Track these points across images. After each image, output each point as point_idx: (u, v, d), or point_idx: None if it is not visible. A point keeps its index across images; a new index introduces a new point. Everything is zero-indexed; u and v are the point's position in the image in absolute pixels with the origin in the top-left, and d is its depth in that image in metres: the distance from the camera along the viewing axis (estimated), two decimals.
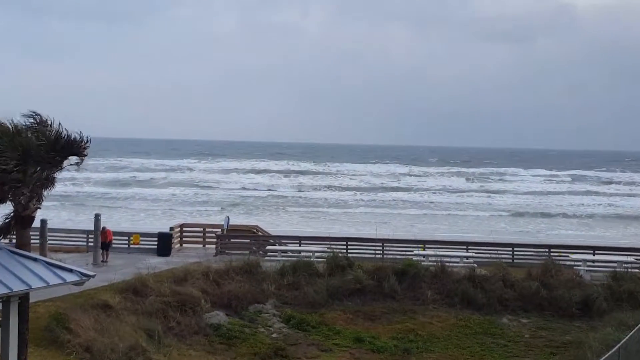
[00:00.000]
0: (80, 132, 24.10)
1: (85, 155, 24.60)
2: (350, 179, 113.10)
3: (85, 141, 24.28)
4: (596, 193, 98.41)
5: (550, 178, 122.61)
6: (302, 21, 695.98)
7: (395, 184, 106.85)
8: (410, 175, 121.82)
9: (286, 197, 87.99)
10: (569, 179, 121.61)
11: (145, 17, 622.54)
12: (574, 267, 32.21)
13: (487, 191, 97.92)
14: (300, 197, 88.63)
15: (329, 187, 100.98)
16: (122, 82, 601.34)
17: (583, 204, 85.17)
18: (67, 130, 24.18)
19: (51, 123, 24.09)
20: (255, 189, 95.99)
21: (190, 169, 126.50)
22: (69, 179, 74.60)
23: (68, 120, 24.13)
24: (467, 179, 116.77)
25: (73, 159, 24.58)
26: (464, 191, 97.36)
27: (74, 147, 23.92)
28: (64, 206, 70.18)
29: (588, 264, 33.31)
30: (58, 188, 23.56)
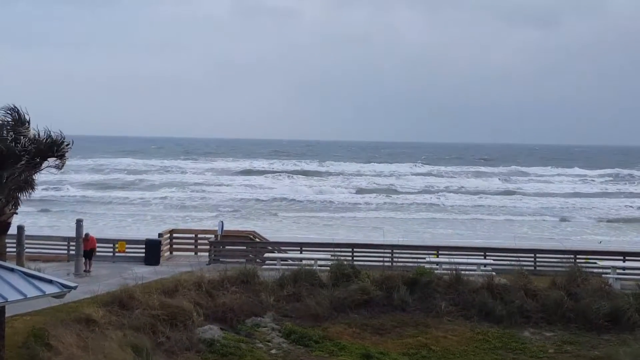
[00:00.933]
0: (61, 132, 24.22)
1: (66, 158, 24.71)
2: (358, 179, 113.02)
3: (67, 142, 24.38)
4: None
5: (584, 178, 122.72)
6: (300, 6, 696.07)
7: (421, 185, 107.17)
8: (439, 176, 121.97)
9: (296, 200, 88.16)
10: (605, 178, 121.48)
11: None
12: (603, 275, 32.17)
13: (522, 193, 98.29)
14: (309, 200, 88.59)
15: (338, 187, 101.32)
16: (100, 73, 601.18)
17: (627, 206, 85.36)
18: (48, 130, 24.31)
19: (29, 120, 24.17)
20: (258, 190, 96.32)
21: (182, 170, 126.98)
22: (49, 181, 74.72)
23: (43, 116, 24.25)
24: (501, 179, 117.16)
25: (53, 160, 24.67)
26: (499, 193, 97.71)
27: (54, 148, 24.05)
28: (45, 212, 70.55)
29: (618, 271, 33.28)
30: (37, 192, 23.66)
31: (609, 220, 74.51)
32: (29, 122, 24.16)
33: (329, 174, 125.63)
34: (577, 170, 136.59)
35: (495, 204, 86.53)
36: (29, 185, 24.60)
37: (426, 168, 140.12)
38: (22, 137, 23.50)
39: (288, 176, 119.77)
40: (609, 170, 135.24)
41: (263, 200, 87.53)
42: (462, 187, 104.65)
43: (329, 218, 73.09)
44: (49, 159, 24.29)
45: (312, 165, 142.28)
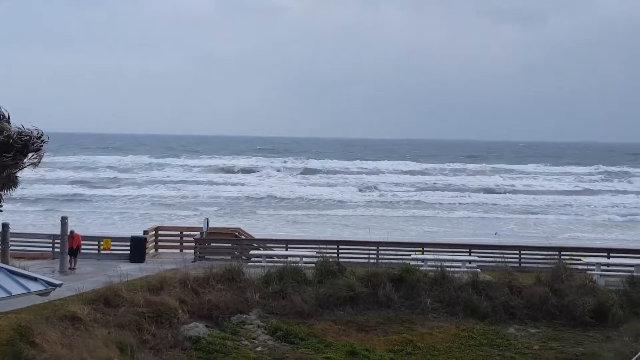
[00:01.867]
0: (37, 128, 24.19)
1: (43, 153, 24.66)
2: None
3: (44, 138, 24.34)
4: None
5: (575, 175, 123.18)
6: (287, 2, 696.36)
7: (408, 182, 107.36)
8: (425, 174, 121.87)
9: (282, 198, 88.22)
10: (595, 176, 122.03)
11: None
12: (587, 272, 32.38)
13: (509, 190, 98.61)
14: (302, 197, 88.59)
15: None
16: (82, 70, 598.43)
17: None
18: (23, 127, 24.22)
19: (8, 116, 24.11)
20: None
21: (167, 167, 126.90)
22: (35, 179, 74.54)
23: (17, 111, 24.19)
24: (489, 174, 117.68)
25: (30, 157, 24.61)
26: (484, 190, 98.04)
27: (33, 144, 24.00)
28: (32, 211, 70.41)
29: (602, 267, 33.46)
30: (24, 189, 23.67)
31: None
32: (8, 118, 24.10)
33: (316, 171, 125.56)
34: (565, 168, 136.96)
35: (480, 201, 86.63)
36: (13, 182, 24.57)
37: (412, 165, 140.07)
38: (5, 136, 23.43)
39: (276, 172, 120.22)
40: (596, 168, 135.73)
41: (250, 198, 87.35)
42: (450, 184, 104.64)
43: (314, 215, 73.01)
44: (28, 155, 24.27)
45: (298, 163, 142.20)
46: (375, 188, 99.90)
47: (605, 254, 35.84)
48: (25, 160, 24.92)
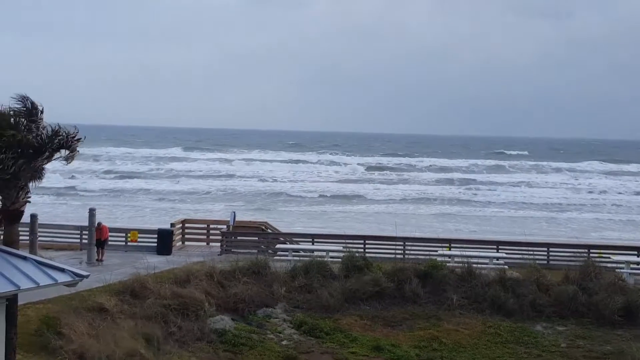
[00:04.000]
0: (75, 127, 24.49)
1: (77, 151, 24.94)
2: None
3: (79, 137, 24.65)
4: None
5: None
6: None
7: (436, 178, 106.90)
8: (456, 171, 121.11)
9: (309, 191, 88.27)
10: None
11: None
12: (616, 270, 32.08)
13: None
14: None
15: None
16: (102, 62, 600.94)
17: None
18: (58, 125, 24.54)
19: (42, 110, 24.38)
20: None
21: (192, 160, 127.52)
22: (69, 171, 75.22)
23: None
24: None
25: (63, 152, 24.90)
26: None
27: (67, 142, 24.31)
28: (64, 201, 71.13)
29: (632, 266, 33.18)
30: (58, 182, 24.00)
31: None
32: (42, 112, 24.37)
33: (346, 164, 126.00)
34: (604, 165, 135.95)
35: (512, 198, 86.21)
36: (39, 173, 24.81)
37: (443, 161, 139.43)
38: (34, 126, 23.74)
39: (312, 165, 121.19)
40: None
41: (281, 192, 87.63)
42: (488, 180, 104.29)
43: (342, 210, 73.07)
44: (60, 151, 24.55)
45: (324, 156, 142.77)
46: (405, 181, 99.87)
47: (635, 252, 35.51)
48: (55, 155, 25.21)
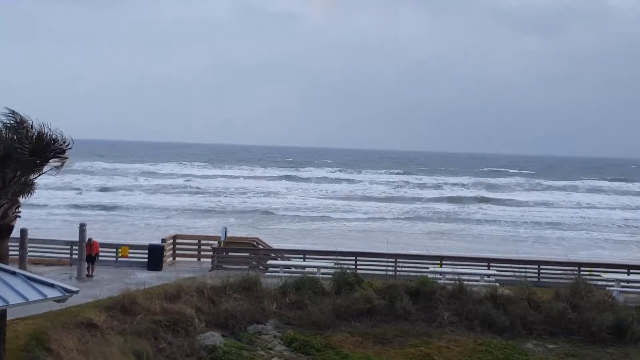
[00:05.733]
0: (61, 132, 24.27)
1: (67, 158, 24.76)
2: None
3: (67, 143, 24.43)
4: None
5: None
6: (303, 8, 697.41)
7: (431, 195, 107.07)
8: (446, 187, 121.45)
9: (301, 208, 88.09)
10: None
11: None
12: (606, 288, 32.10)
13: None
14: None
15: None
16: (97, 75, 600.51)
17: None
18: (49, 129, 24.34)
19: (32, 123, 24.25)
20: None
21: (190, 176, 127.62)
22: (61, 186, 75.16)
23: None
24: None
25: (53, 161, 24.69)
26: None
27: (55, 149, 24.09)
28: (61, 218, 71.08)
29: (622, 284, 33.21)
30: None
31: None
32: (31, 125, 24.25)
33: (343, 180, 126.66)
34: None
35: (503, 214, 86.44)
36: (30, 187, 24.66)
37: (431, 179, 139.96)
38: (23, 139, 23.58)
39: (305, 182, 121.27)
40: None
41: (277, 208, 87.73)
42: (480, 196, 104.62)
43: (330, 227, 73.06)
44: (50, 161, 24.36)
45: (311, 172, 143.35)
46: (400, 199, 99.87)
47: (625, 270, 35.55)
48: (46, 168, 25.06)
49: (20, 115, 24.16)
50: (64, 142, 24.57)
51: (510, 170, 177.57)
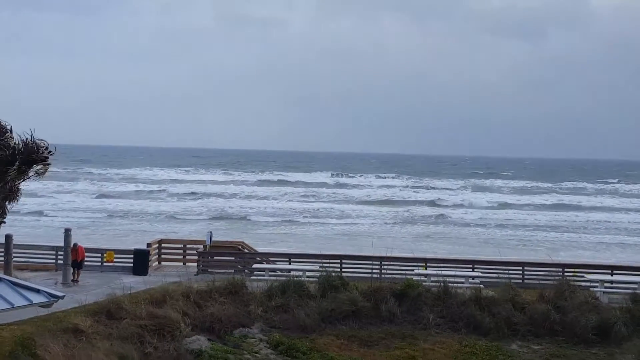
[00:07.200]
0: (44, 139, 24.19)
1: (49, 164, 24.70)
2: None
3: (50, 149, 24.36)
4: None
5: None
6: (286, 14, 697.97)
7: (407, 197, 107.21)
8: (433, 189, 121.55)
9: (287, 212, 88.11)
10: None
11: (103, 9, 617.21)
12: (590, 289, 32.28)
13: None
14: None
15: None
16: (80, 83, 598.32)
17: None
18: (32, 136, 24.26)
19: (10, 129, 24.16)
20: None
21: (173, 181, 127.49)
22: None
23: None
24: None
25: (35, 167, 24.60)
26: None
27: (38, 155, 24.02)
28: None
29: (605, 284, 33.41)
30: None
31: None
32: (10, 131, 24.11)
33: (322, 184, 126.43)
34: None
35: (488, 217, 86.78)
36: (15, 193, 24.57)
37: (414, 182, 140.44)
38: (5, 146, 23.44)
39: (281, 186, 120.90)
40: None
41: (259, 212, 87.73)
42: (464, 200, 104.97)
43: (315, 230, 73.17)
44: (34, 166, 24.28)
45: (300, 176, 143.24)
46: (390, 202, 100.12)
47: (609, 271, 35.78)
48: (30, 172, 24.93)
49: None
50: (47, 149, 24.48)
51: (499, 173, 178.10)
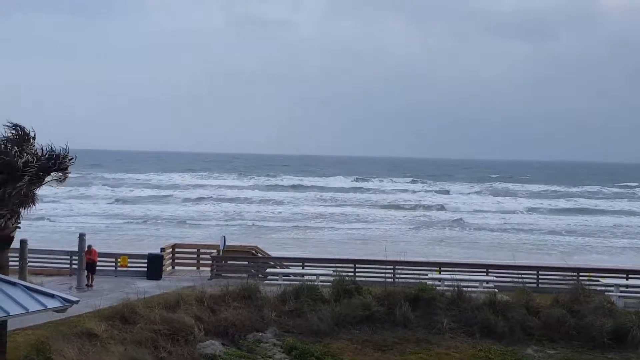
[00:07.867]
0: (65, 147, 24.35)
1: (69, 172, 24.85)
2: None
3: (70, 157, 24.52)
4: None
5: None
6: (293, 16, 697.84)
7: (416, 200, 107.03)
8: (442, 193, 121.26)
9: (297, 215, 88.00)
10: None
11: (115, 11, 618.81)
12: (605, 293, 32.08)
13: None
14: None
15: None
16: (87, 85, 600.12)
17: None
18: (51, 145, 24.46)
19: (34, 136, 24.35)
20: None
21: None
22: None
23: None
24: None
25: (55, 174, 24.79)
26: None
27: (58, 163, 24.21)
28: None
29: (621, 289, 33.20)
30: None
31: None
32: (34, 138, 24.32)
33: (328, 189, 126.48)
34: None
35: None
36: (31, 199, 24.70)
37: (421, 185, 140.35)
38: (25, 153, 23.66)
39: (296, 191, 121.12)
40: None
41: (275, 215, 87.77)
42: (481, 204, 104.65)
43: (330, 235, 73.14)
44: (52, 174, 24.42)
45: (315, 180, 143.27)
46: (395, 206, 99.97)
47: (624, 275, 35.56)
48: (47, 179, 25.10)
49: (23, 128, 24.23)
50: (66, 157, 24.70)
51: (517, 177, 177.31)
